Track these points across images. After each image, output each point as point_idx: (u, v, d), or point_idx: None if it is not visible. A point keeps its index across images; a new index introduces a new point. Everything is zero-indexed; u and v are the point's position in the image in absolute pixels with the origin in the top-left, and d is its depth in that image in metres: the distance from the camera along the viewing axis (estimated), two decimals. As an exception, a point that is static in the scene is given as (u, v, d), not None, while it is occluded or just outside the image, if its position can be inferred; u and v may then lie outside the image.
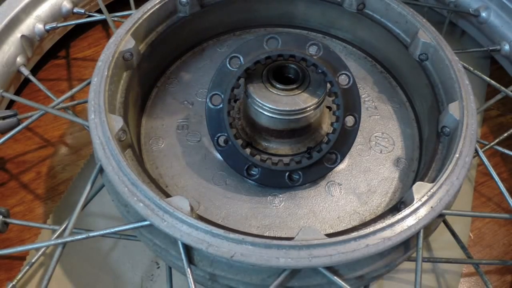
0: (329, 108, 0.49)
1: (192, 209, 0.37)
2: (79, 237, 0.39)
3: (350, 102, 0.44)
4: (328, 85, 0.43)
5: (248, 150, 0.44)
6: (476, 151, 0.47)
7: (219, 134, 0.44)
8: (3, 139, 0.51)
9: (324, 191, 0.46)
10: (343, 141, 0.44)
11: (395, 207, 0.42)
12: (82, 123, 0.48)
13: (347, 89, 0.44)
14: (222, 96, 0.44)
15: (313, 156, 0.44)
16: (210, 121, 0.45)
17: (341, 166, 0.48)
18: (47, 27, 0.60)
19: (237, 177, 0.46)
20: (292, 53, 0.42)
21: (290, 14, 0.58)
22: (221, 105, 0.44)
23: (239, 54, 0.44)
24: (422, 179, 0.42)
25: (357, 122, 0.44)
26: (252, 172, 0.45)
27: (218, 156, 0.47)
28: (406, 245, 0.39)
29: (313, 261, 0.34)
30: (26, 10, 0.59)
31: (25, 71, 0.58)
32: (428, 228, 0.41)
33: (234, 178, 0.46)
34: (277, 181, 0.45)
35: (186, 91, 0.53)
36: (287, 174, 0.44)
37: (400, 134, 0.51)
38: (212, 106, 0.44)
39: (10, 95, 0.55)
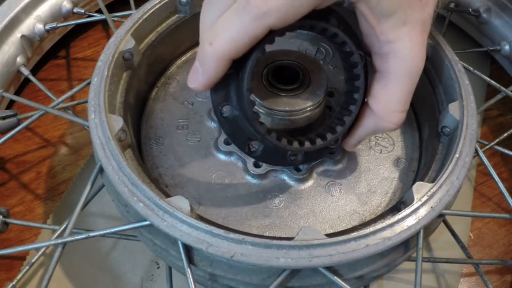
0: (330, 108, 0.49)
1: (192, 209, 0.37)
2: (79, 237, 0.39)
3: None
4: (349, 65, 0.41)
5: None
6: (476, 151, 0.47)
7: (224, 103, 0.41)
8: (3, 139, 0.51)
9: (324, 191, 0.46)
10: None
11: (395, 207, 0.42)
12: (82, 123, 0.48)
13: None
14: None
15: (317, 143, 0.41)
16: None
17: (341, 166, 0.48)
18: (47, 27, 0.60)
19: (237, 177, 0.46)
20: (325, 26, 0.38)
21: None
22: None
23: None
24: (422, 179, 0.42)
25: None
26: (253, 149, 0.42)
27: (218, 156, 0.48)
28: (406, 245, 0.39)
29: (313, 261, 0.34)
30: (26, 10, 0.59)
31: (25, 71, 0.58)
32: (428, 228, 0.41)
33: (234, 178, 0.46)
34: (278, 159, 0.43)
35: (186, 91, 0.53)
36: (289, 153, 0.42)
37: (400, 134, 0.51)
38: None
39: (10, 95, 0.55)
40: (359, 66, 0.40)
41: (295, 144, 0.41)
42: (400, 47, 0.37)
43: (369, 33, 0.38)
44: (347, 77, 0.42)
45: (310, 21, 0.37)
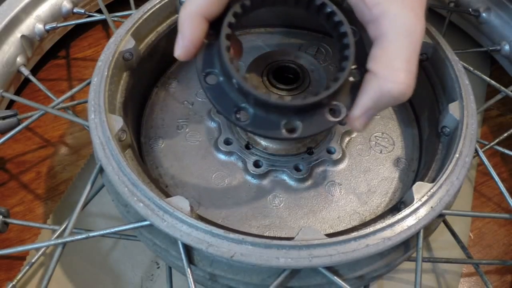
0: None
1: (192, 209, 0.37)
2: (79, 237, 0.39)
3: (357, 55, 0.40)
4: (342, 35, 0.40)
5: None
6: (476, 151, 0.47)
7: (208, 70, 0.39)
8: (3, 139, 0.51)
9: (324, 191, 0.46)
10: (347, 94, 0.40)
11: (395, 207, 0.42)
12: (82, 123, 0.48)
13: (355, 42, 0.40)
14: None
15: (308, 98, 0.39)
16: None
17: (341, 166, 0.48)
18: (47, 27, 0.60)
19: (237, 177, 0.46)
20: None
21: (289, 14, 0.58)
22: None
23: None
24: (422, 179, 0.42)
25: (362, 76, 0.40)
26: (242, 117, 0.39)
27: (218, 156, 0.48)
28: (406, 245, 0.39)
29: (313, 261, 0.34)
30: (26, 10, 0.59)
31: (25, 71, 0.58)
32: (428, 228, 0.41)
33: (234, 178, 0.46)
34: (271, 129, 0.39)
35: (186, 91, 0.53)
36: (283, 122, 0.39)
37: (400, 134, 0.51)
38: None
39: (10, 95, 0.55)
40: (345, 25, 0.39)
41: (287, 98, 0.39)
42: (390, 6, 0.37)
43: (356, 2, 0.38)
44: (340, 47, 0.40)
45: None
